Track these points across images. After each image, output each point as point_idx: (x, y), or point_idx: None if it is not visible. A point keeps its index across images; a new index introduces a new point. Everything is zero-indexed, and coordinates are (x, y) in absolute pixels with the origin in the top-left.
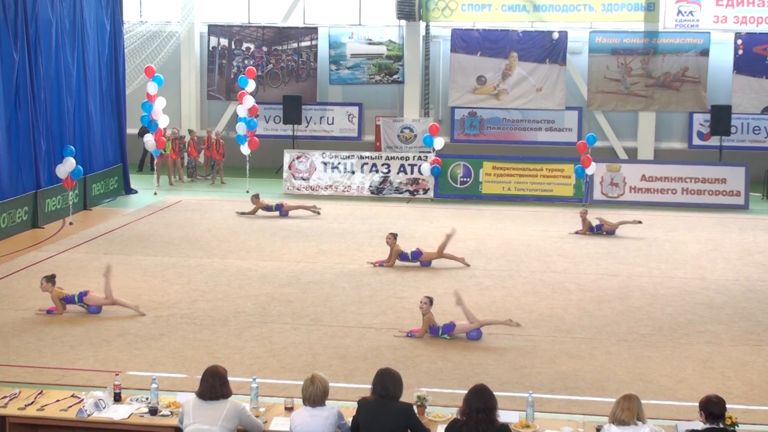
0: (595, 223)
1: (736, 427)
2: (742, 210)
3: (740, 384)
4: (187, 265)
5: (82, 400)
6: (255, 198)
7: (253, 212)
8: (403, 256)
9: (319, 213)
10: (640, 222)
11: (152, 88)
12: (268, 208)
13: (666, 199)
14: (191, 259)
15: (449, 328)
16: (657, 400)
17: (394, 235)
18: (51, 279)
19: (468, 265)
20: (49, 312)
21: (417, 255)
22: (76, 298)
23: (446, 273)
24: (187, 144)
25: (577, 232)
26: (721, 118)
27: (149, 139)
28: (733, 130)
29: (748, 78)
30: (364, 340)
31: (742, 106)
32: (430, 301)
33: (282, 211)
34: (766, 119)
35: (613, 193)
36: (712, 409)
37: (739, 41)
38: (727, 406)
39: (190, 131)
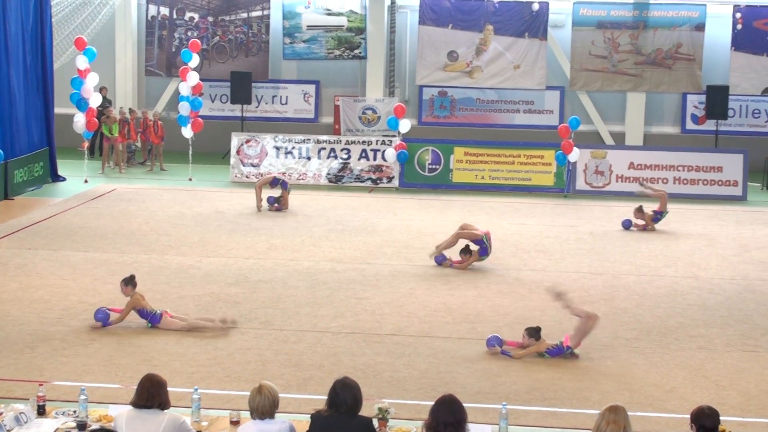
0: (651, 211)
1: None
2: (739, 201)
3: (735, 394)
4: (121, 262)
5: (1, 413)
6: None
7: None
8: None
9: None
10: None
11: (83, 62)
12: (274, 181)
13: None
14: (126, 255)
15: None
16: (644, 411)
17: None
18: (131, 281)
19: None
20: (101, 316)
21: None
22: (148, 321)
23: (412, 270)
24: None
25: (645, 228)
26: (717, 100)
27: (79, 119)
28: (730, 113)
29: (747, 56)
30: (319, 346)
31: (741, 86)
32: (531, 332)
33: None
34: (767, 101)
35: (598, 182)
36: (705, 421)
37: (738, 15)
38: (721, 418)
39: (131, 110)
